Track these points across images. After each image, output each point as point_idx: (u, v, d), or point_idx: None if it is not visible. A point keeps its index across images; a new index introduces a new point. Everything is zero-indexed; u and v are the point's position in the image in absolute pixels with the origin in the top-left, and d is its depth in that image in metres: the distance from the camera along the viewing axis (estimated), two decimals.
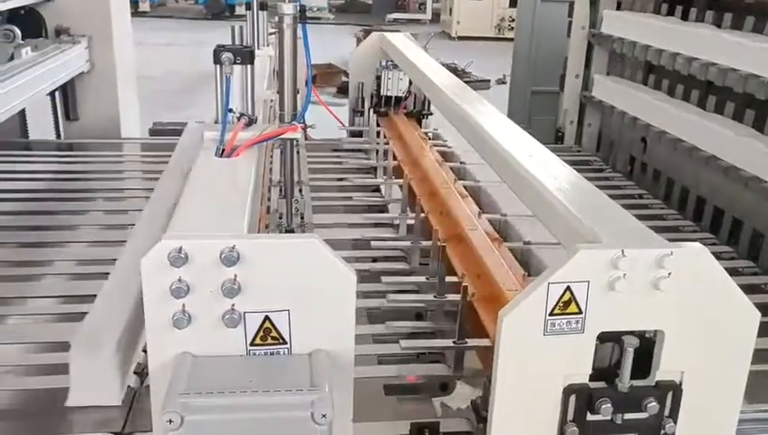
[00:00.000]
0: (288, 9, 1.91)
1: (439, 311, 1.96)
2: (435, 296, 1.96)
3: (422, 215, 2.41)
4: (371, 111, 3.68)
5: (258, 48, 3.44)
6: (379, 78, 3.75)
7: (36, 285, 2.26)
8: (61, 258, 2.44)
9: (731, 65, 2.67)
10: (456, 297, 1.96)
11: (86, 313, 2.07)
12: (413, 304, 2.05)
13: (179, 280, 1.16)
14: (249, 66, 1.80)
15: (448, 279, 2.05)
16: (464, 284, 1.90)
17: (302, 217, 2.38)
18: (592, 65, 3.89)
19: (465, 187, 2.72)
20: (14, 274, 2.31)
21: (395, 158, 3.15)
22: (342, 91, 7.93)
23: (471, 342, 1.76)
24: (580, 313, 1.22)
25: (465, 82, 2.83)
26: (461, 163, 3.06)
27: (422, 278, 2.11)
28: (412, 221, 2.42)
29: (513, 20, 11.30)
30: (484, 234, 2.18)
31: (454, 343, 1.72)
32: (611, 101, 3.66)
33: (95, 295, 2.16)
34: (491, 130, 2.04)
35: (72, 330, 1.97)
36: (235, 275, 1.16)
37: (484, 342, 1.73)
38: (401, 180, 2.86)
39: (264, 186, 2.49)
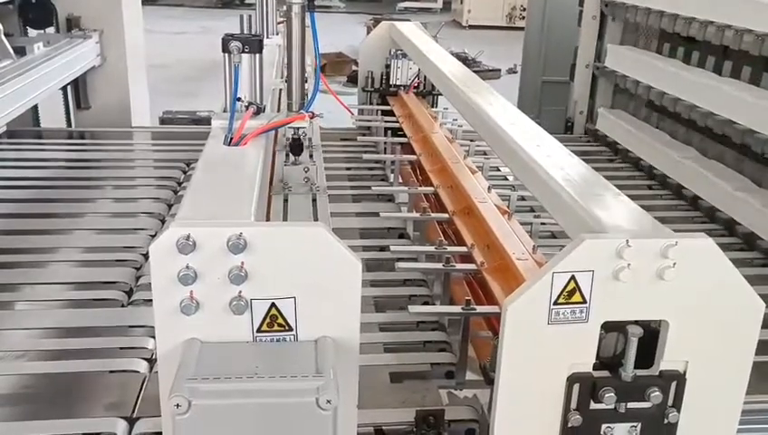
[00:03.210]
0: None
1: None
2: (443, 265, 1.97)
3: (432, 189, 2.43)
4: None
5: (267, 37, 3.45)
6: (388, 67, 3.75)
7: (44, 271, 2.29)
8: (69, 245, 2.46)
9: (748, 27, 2.62)
10: (465, 266, 1.98)
11: (93, 299, 2.10)
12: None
13: (187, 267, 1.17)
14: (257, 55, 1.81)
15: (457, 250, 2.06)
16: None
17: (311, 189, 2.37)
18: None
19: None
20: (23, 260, 2.33)
21: (404, 135, 3.16)
22: (352, 80, 7.91)
23: (479, 309, 1.76)
24: (585, 302, 1.23)
25: (475, 71, 2.82)
26: (471, 141, 3.05)
27: (431, 248, 2.12)
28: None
29: (524, 9, 11.23)
30: (494, 207, 2.18)
31: (462, 309, 1.73)
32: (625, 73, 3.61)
33: (102, 283, 2.19)
34: (499, 120, 2.04)
35: (78, 316, 2.01)
36: (242, 263, 1.18)
37: (493, 309, 1.74)
38: (411, 156, 2.87)
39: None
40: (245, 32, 2.15)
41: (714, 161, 2.97)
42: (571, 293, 1.22)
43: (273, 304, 1.21)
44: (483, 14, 14.82)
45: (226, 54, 1.75)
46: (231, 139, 1.68)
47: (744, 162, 2.83)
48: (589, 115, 4.01)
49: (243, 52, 1.75)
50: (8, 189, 2.89)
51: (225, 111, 1.82)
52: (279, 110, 2.43)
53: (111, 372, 1.77)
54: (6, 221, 2.62)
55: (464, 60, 9.32)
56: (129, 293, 2.14)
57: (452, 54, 3.23)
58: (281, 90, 2.63)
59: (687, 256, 1.21)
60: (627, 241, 1.20)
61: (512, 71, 9.61)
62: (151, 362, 1.79)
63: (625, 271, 1.21)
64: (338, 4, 16.52)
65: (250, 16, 2.00)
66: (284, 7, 1.90)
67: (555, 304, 1.22)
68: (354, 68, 8.21)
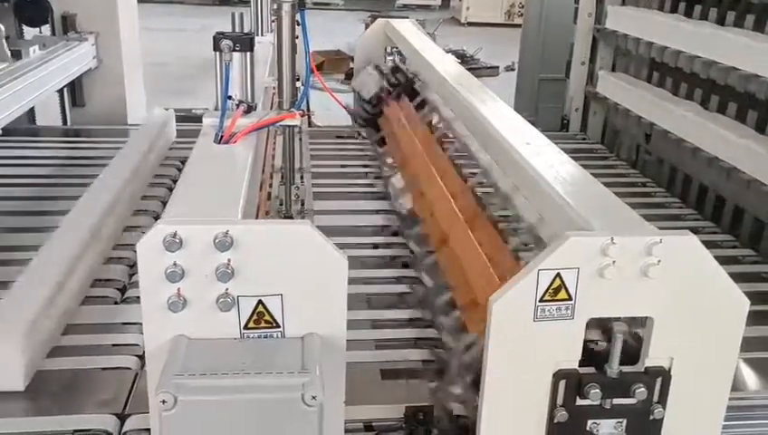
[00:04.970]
0: None
1: None
2: None
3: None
4: None
5: (261, 35, 3.45)
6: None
7: None
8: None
9: None
10: None
11: (86, 296, 2.10)
12: None
13: (174, 264, 1.18)
14: (249, 53, 1.81)
15: None
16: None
17: (302, 204, 2.39)
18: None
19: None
20: (19, 257, 2.33)
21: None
22: (350, 77, 7.90)
23: None
24: (570, 299, 1.24)
25: (473, 68, 2.85)
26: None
27: None
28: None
29: (522, 6, 11.21)
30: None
31: None
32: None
33: (95, 280, 2.19)
34: (490, 118, 2.04)
35: (72, 313, 2.01)
36: (229, 260, 1.18)
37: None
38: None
39: (266, 173, 2.51)
40: (238, 30, 2.15)
41: (716, 114, 2.91)
42: (557, 290, 1.23)
43: (259, 301, 1.22)
44: (481, 11, 14.83)
45: (217, 53, 1.76)
46: (221, 137, 1.68)
47: (747, 112, 2.77)
48: (589, 78, 3.99)
49: (234, 50, 1.76)
50: (3, 187, 2.90)
51: (216, 109, 1.82)
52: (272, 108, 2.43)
53: (104, 369, 1.78)
54: (1, 218, 2.62)
55: (462, 57, 9.31)
56: (123, 290, 2.15)
57: (450, 52, 3.24)
58: (274, 87, 2.63)
59: (672, 254, 1.22)
60: (612, 239, 1.21)
61: (510, 68, 9.58)
62: (143, 359, 1.80)
63: (610, 268, 1.21)
64: (336, 1, 16.48)
65: (242, 14, 2.00)
66: (275, 5, 1.90)
67: (541, 301, 1.23)
68: (352, 65, 8.20)
